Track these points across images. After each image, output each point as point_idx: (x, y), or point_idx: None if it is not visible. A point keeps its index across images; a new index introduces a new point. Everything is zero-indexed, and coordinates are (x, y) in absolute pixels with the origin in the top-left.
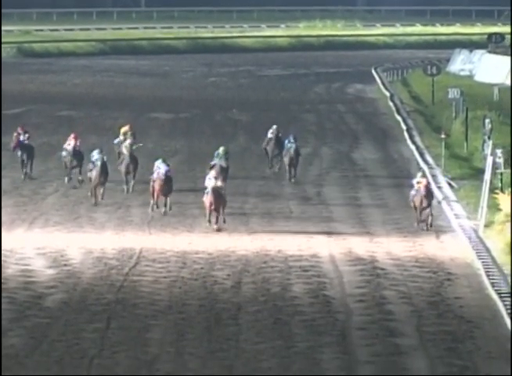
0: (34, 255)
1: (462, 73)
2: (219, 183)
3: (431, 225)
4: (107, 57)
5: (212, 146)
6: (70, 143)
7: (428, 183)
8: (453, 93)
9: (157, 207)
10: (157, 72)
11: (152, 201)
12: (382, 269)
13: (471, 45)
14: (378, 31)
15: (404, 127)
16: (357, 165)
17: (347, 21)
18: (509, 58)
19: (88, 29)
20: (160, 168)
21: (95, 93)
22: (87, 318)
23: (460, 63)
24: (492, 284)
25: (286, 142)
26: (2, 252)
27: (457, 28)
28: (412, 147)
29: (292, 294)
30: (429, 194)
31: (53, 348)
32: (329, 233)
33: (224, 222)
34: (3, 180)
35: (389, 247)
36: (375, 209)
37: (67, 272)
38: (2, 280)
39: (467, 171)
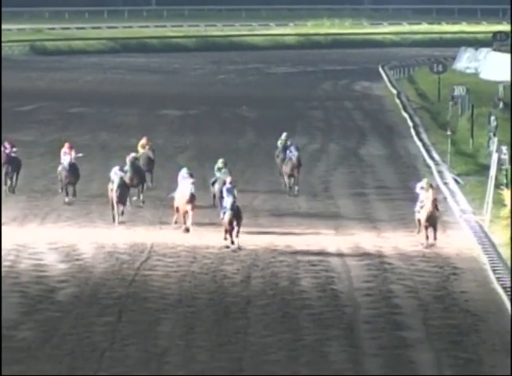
0: (47, 250)
1: (467, 70)
2: (235, 196)
3: (435, 238)
4: (118, 55)
5: (221, 142)
6: (65, 158)
7: (435, 198)
8: (459, 91)
9: (176, 222)
10: (167, 69)
11: (175, 216)
12: (389, 263)
13: (476, 43)
14: (385, 30)
15: (410, 124)
16: (364, 161)
17: (355, 19)
18: None
19: (99, 27)
20: (184, 181)
21: (105, 90)
22: (98, 311)
23: (466, 60)
24: (498, 279)
25: (288, 152)
26: (15, 247)
27: (463, 27)
28: (419, 144)
29: (300, 288)
30: (435, 209)
31: (65, 341)
32: (336, 228)
33: (236, 236)
34: None
35: (396, 242)
36: (382, 204)
37: (79, 267)
38: (15, 275)
39: (473, 168)
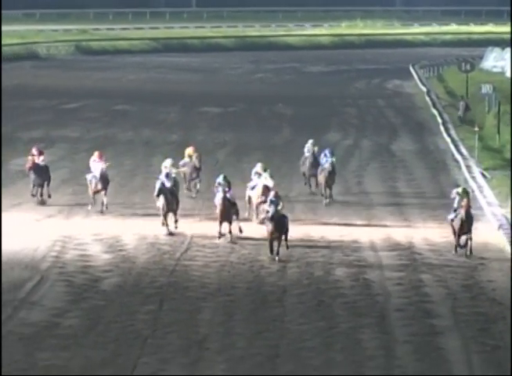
0: (91, 241)
1: (494, 69)
2: (280, 206)
3: (471, 252)
4: (160, 55)
5: (258, 139)
6: (95, 167)
7: (469, 206)
8: (486, 88)
9: (219, 236)
10: (207, 69)
11: (219, 229)
12: (419, 254)
13: (503, 43)
14: (415, 30)
15: (440, 120)
16: (395, 156)
17: (386, 21)
18: None
19: (142, 28)
20: (219, 191)
21: (148, 89)
22: (141, 300)
23: (493, 60)
24: None
25: (322, 156)
26: (61, 238)
27: (490, 27)
28: (448, 139)
29: (334, 277)
30: (469, 218)
31: (109, 328)
32: (369, 220)
33: (287, 248)
34: (63, 170)
35: (426, 234)
36: (412, 198)
37: (122, 257)
38: (61, 265)
39: (499, 162)
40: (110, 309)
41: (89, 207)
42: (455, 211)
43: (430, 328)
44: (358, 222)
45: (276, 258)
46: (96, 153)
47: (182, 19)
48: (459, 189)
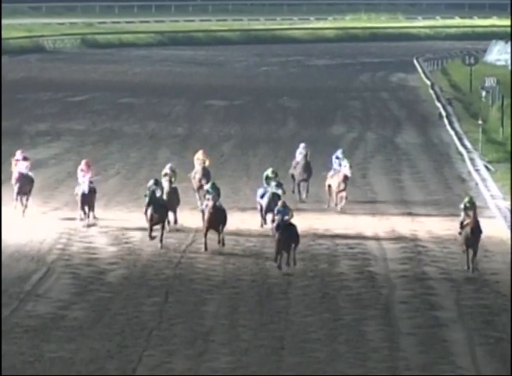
0: (97, 233)
1: (498, 63)
2: (289, 216)
3: (476, 267)
4: (165, 48)
5: (263, 131)
6: (83, 179)
7: (477, 220)
8: (490, 82)
9: (205, 248)
10: (212, 62)
11: (205, 239)
12: (423, 246)
13: (507, 36)
14: (419, 24)
15: (444, 113)
16: (400, 149)
17: (391, 14)
18: None
19: (147, 21)
20: (209, 198)
21: (153, 82)
22: (146, 292)
23: (496, 53)
24: None
25: (334, 158)
26: (67, 230)
27: (493, 21)
28: (452, 132)
29: (338, 270)
30: (476, 232)
31: (115, 320)
32: (373, 213)
33: (294, 264)
34: (69, 162)
35: (430, 226)
36: (417, 190)
37: (128, 250)
38: (67, 257)
39: (503, 155)
40: (116, 302)
41: (79, 221)
42: (461, 223)
43: (434, 320)
44: (363, 215)
45: (284, 269)
46: (83, 162)
47: (187, 13)
48: (466, 201)
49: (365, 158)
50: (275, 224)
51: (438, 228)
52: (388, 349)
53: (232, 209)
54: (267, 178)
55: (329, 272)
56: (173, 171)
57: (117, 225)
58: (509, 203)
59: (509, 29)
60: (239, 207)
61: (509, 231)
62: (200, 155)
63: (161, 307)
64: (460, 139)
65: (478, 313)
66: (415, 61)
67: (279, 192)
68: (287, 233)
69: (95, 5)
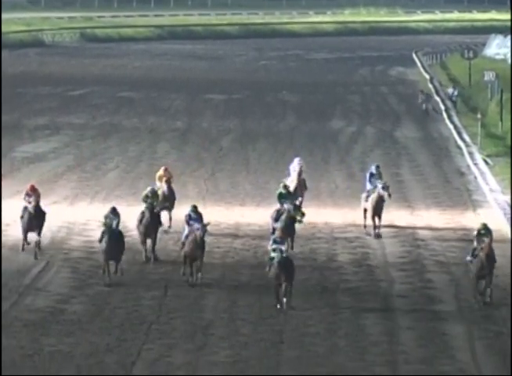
0: (96, 227)
1: (497, 57)
2: (285, 247)
3: (490, 298)
4: (165, 42)
5: (263, 126)
6: (30, 200)
7: (491, 248)
8: (489, 76)
9: (184, 274)
10: (212, 56)
11: (182, 268)
12: (422, 240)
13: (506, 30)
14: (419, 18)
15: (443, 107)
16: (399, 143)
17: (390, 8)
18: None
19: (146, 15)
20: (193, 225)
21: (153, 76)
22: (145, 286)
23: (496, 47)
24: None
25: (368, 175)
26: (66, 224)
27: (492, 15)
28: (451, 126)
29: (338, 263)
30: (490, 261)
31: (114, 314)
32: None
33: (284, 295)
34: (69, 156)
35: (429, 220)
36: (416, 184)
37: (127, 243)
38: (66, 251)
39: (502, 149)
40: (115, 295)
41: (21, 250)
42: (474, 251)
43: (434, 314)
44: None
45: (282, 305)
46: (28, 187)
47: (186, 7)
48: (480, 226)
49: (364, 152)
50: (273, 259)
51: (437, 221)
52: (387, 343)
53: (232, 203)
54: (280, 196)
55: (328, 266)
56: (154, 193)
57: None
58: (508, 197)
59: (508, 23)
60: (239, 201)
61: (508, 225)
62: (162, 172)
63: (160, 301)
64: (459, 133)
65: (478, 307)
66: (414, 55)
67: (297, 216)
68: (285, 269)
69: None
